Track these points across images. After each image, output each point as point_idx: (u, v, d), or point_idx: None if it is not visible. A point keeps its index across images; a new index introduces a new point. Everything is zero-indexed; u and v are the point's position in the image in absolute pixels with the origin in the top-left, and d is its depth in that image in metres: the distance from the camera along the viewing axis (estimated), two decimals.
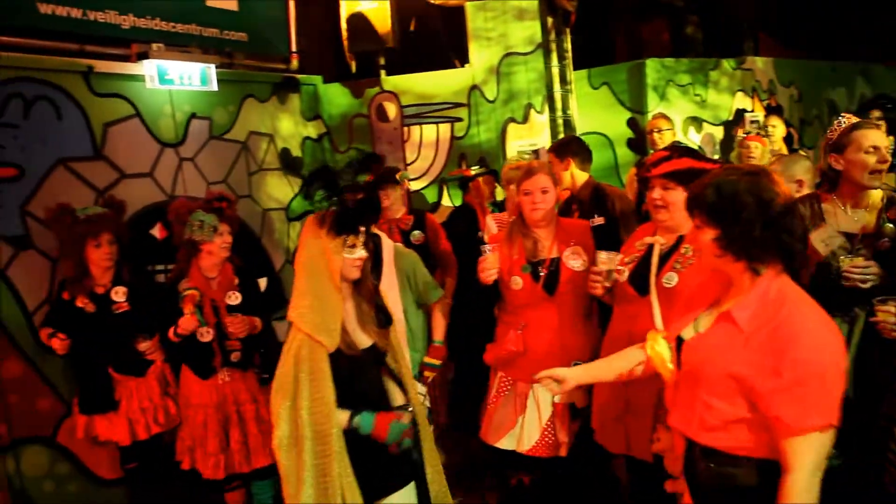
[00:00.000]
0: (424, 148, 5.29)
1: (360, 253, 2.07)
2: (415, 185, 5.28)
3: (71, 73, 3.60)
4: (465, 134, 5.28)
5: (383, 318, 2.23)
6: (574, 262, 2.54)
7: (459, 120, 5.27)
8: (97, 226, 3.17)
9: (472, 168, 4.50)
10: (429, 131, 5.28)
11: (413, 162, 5.31)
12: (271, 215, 4.85)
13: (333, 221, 2.05)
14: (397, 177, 3.82)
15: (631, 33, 7.66)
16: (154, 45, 3.84)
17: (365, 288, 2.17)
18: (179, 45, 4.04)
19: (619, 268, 2.50)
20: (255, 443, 3.27)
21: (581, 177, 3.64)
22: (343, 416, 2.05)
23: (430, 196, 5.37)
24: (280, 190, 4.92)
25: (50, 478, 3.45)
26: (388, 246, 3.16)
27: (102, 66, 3.74)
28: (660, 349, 1.88)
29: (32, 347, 3.35)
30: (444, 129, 5.28)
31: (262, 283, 4.36)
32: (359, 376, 2.12)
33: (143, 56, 3.83)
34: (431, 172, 5.31)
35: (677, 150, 2.36)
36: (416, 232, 3.90)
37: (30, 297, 3.40)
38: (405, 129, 5.28)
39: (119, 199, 3.50)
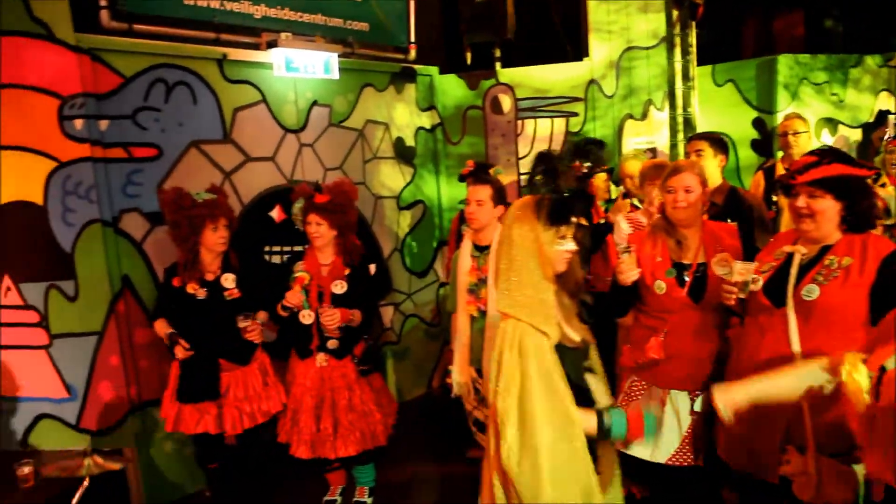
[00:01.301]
0: (538, 142, 5.21)
1: (570, 245, 1.96)
2: (525, 180, 5.20)
3: (207, 60, 3.80)
4: (580, 129, 5.15)
5: (586, 313, 2.11)
6: (722, 269, 2.40)
7: (575, 115, 5.15)
8: (216, 209, 3.21)
9: (586, 164, 4.30)
10: (543, 125, 5.20)
11: (525, 156, 5.24)
12: (383, 203, 4.93)
13: (549, 210, 1.93)
14: (491, 172, 3.77)
15: (761, 27, 7.20)
16: (283, 35, 3.99)
17: (570, 281, 2.04)
18: (305, 35, 4.17)
19: (755, 276, 2.35)
20: (345, 431, 3.30)
21: (715, 178, 3.41)
22: (586, 415, 1.89)
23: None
24: (392, 178, 5.00)
25: (171, 439, 3.68)
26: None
27: (234, 53, 3.93)
28: (858, 377, 1.70)
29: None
30: (559, 123, 5.18)
31: (371, 269, 4.45)
32: (578, 371, 2.00)
33: (273, 45, 3.98)
34: None
35: (827, 154, 2.17)
36: None
37: (160, 270, 3.63)
38: (519, 122, 5.22)
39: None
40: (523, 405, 1.84)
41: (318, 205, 3.27)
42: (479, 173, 3.86)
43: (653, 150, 5.02)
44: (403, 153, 5.07)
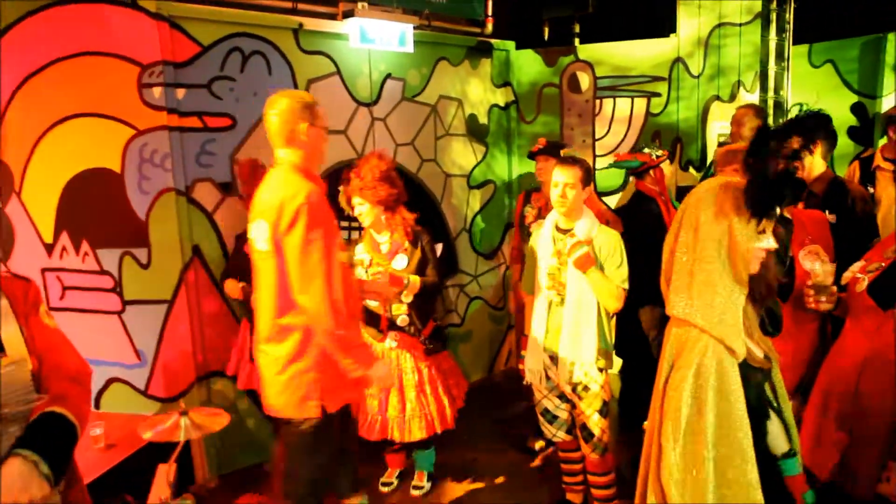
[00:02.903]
0: (616, 123, 4.97)
1: (770, 243, 1.66)
2: (600, 163, 4.98)
3: (283, 30, 3.74)
4: (661, 110, 4.88)
5: (774, 325, 1.83)
6: (811, 263, 2.19)
7: (657, 95, 4.88)
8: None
9: (649, 150, 3.96)
10: (622, 105, 4.95)
11: (602, 137, 5.02)
12: (453, 181, 4.81)
13: (754, 198, 1.61)
14: (562, 153, 3.60)
15: (868, 2, 6.66)
16: (360, 4, 3.89)
17: (761, 285, 1.73)
18: (382, 6, 4.06)
19: (859, 275, 2.14)
20: (413, 415, 3.24)
21: (818, 166, 3.12)
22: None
23: (615, 178, 5.01)
24: (464, 156, 4.87)
25: (233, 410, 3.69)
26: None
27: (310, 23, 3.85)
28: None
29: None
30: (640, 103, 4.92)
31: (438, 248, 4.34)
32: (760, 395, 1.73)
33: (349, 14, 3.89)
34: (620, 150, 4.97)
35: None
36: None
37: (229, 240, 3.63)
38: (597, 101, 4.99)
39: None
40: (692, 427, 1.62)
41: (355, 184, 3.17)
42: (551, 151, 3.71)
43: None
44: (476, 131, 4.92)
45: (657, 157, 3.85)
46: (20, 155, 3.46)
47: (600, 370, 2.83)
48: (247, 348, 3.39)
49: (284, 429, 2.42)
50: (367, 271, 3.23)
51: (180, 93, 3.38)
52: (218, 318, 3.66)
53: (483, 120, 4.96)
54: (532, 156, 3.87)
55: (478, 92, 4.89)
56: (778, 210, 1.64)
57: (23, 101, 3.42)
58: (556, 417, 3.00)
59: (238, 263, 3.36)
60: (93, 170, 3.43)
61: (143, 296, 3.52)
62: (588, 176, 2.80)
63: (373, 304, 3.21)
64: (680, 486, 1.63)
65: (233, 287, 3.36)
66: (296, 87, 3.80)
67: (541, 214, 3.74)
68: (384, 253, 3.25)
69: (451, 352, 3.58)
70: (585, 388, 2.83)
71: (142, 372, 3.59)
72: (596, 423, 2.86)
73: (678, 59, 4.84)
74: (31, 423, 1.44)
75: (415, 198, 4.24)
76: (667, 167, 3.94)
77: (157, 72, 3.29)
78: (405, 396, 3.26)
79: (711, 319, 1.63)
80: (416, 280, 3.20)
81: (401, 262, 3.23)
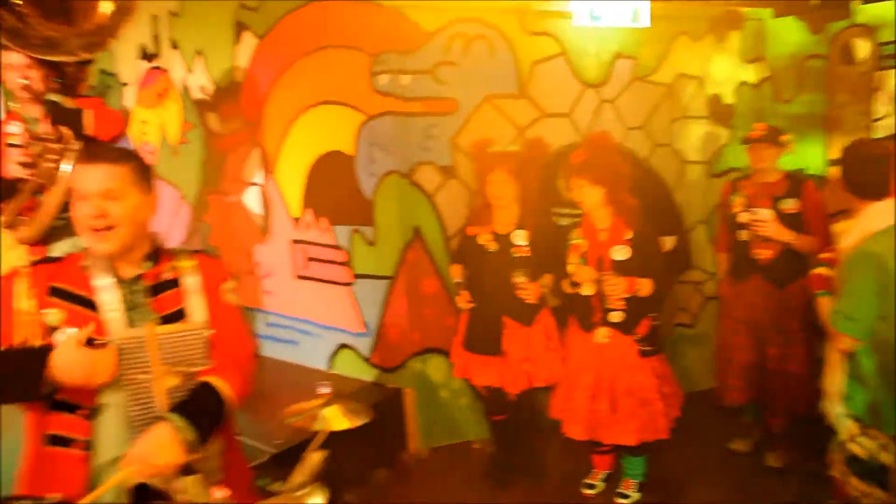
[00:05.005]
0: None
1: None
2: None
3: (507, 13, 3.72)
4: None
5: None
6: None
7: None
8: (495, 163, 3.19)
9: None
10: None
11: (881, 119, 4.17)
12: (691, 169, 4.39)
13: None
14: (781, 139, 3.23)
15: None
16: None
17: None
18: None
19: None
20: (623, 417, 3.00)
21: None
22: None
23: None
24: (704, 141, 4.41)
25: (446, 387, 3.81)
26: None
27: (535, 4, 3.78)
28: None
29: (446, 268, 3.67)
30: None
31: (669, 241, 3.99)
32: None
33: None
34: None
35: None
36: (789, 200, 3.23)
37: (449, 223, 3.73)
38: (878, 73, 4.15)
39: (541, 142, 3.49)
40: None
41: (575, 165, 3.03)
42: (770, 138, 3.27)
43: None
44: (719, 112, 4.41)
45: None
46: (276, 140, 3.94)
47: None
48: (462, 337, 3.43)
49: None
50: (584, 259, 3.09)
51: (406, 79, 3.55)
52: (436, 298, 3.79)
53: (728, 100, 4.42)
54: (748, 142, 3.41)
55: (723, 68, 4.37)
56: None
57: (280, 92, 3.89)
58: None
59: (462, 247, 3.44)
60: (331, 153, 3.78)
61: (370, 271, 3.79)
62: None
63: (586, 291, 3.06)
64: None
65: (455, 274, 3.45)
66: (518, 70, 3.76)
67: (750, 204, 3.32)
68: (603, 241, 3.07)
69: (667, 356, 3.27)
70: None
71: (366, 341, 3.88)
72: None
73: None
74: (190, 390, 1.59)
75: (644, 186, 3.97)
76: None
77: (385, 60, 3.50)
78: (614, 397, 3.05)
79: None
80: (648, 285, 2.98)
81: (620, 253, 3.02)
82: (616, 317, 3.02)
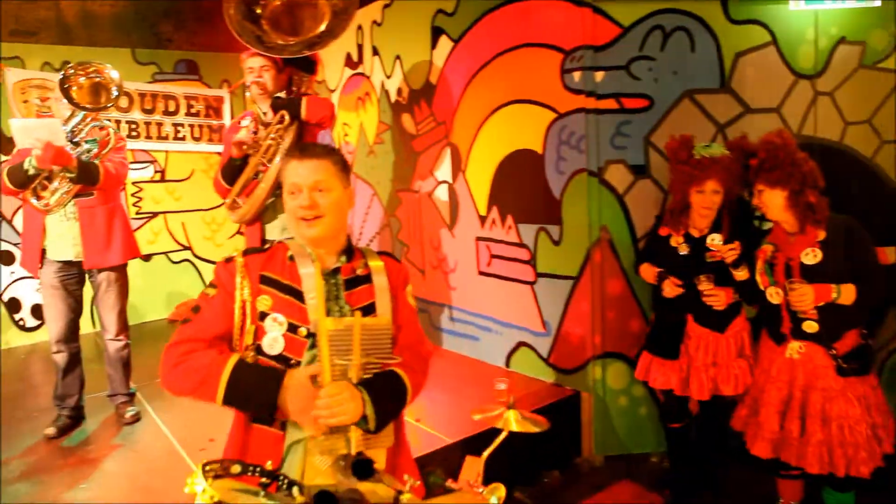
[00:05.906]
0: None
1: None
2: None
3: (710, 1, 3.48)
4: None
5: None
6: None
7: None
8: (704, 171, 2.96)
9: None
10: None
11: None
12: None
13: None
14: None
15: None
16: None
17: None
18: None
19: None
20: (814, 441, 2.65)
21: None
22: None
23: None
24: None
25: (625, 394, 3.66)
26: None
27: None
28: None
29: (633, 270, 3.53)
30: None
31: (891, 252, 3.54)
32: None
33: None
34: None
35: None
36: None
37: (639, 224, 3.58)
38: None
39: (748, 142, 3.22)
40: None
41: (753, 169, 2.78)
42: None
43: None
44: None
45: None
46: (466, 139, 4.05)
47: None
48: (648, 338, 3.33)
49: None
50: (770, 265, 2.82)
51: (599, 75, 3.46)
52: (621, 301, 3.66)
53: None
54: None
55: None
56: None
57: (473, 91, 3.98)
58: None
59: (652, 247, 3.30)
60: (520, 151, 3.80)
61: (553, 270, 3.76)
62: None
63: (776, 299, 2.78)
64: None
65: (647, 271, 3.28)
66: (721, 61, 3.51)
67: None
68: (792, 243, 2.77)
69: (884, 382, 2.86)
70: None
71: (546, 341, 3.85)
72: None
73: None
74: (377, 374, 1.68)
75: (866, 188, 3.53)
76: None
77: (577, 56, 3.44)
78: (805, 419, 2.71)
79: None
80: (849, 292, 2.64)
81: (810, 257, 2.71)
82: (810, 327, 2.71)
